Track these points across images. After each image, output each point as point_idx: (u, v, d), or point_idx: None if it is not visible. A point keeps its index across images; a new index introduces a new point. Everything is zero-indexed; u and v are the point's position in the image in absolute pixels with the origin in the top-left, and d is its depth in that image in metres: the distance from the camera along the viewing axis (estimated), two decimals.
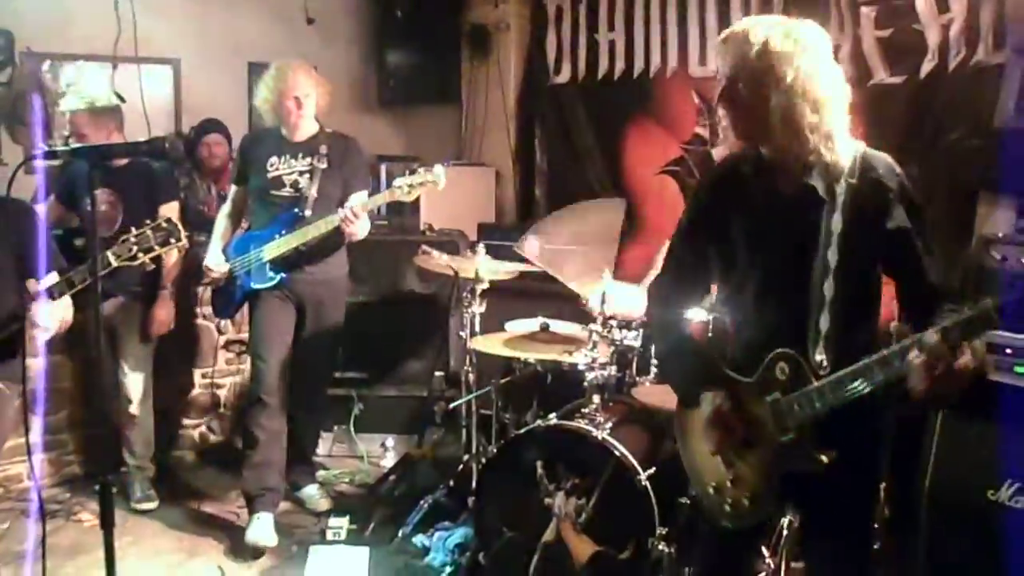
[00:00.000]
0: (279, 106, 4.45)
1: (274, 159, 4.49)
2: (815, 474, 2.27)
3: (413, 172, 4.37)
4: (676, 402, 2.74)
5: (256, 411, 4.44)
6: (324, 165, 4.45)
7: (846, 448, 2.29)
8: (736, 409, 2.45)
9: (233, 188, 4.72)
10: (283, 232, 4.39)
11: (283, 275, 4.44)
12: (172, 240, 3.30)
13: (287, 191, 4.46)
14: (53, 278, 3.30)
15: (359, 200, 4.40)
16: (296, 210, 4.40)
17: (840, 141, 2.30)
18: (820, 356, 2.28)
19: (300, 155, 4.48)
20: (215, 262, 4.53)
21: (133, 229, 3.27)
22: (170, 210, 4.45)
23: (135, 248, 3.26)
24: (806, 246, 2.33)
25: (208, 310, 5.07)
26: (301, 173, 4.46)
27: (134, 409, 4.71)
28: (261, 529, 4.32)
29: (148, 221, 3.27)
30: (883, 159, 2.35)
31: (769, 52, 2.26)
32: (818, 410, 2.26)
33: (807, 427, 2.30)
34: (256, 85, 4.61)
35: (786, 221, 2.38)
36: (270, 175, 4.48)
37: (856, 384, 2.18)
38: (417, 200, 4.96)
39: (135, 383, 4.71)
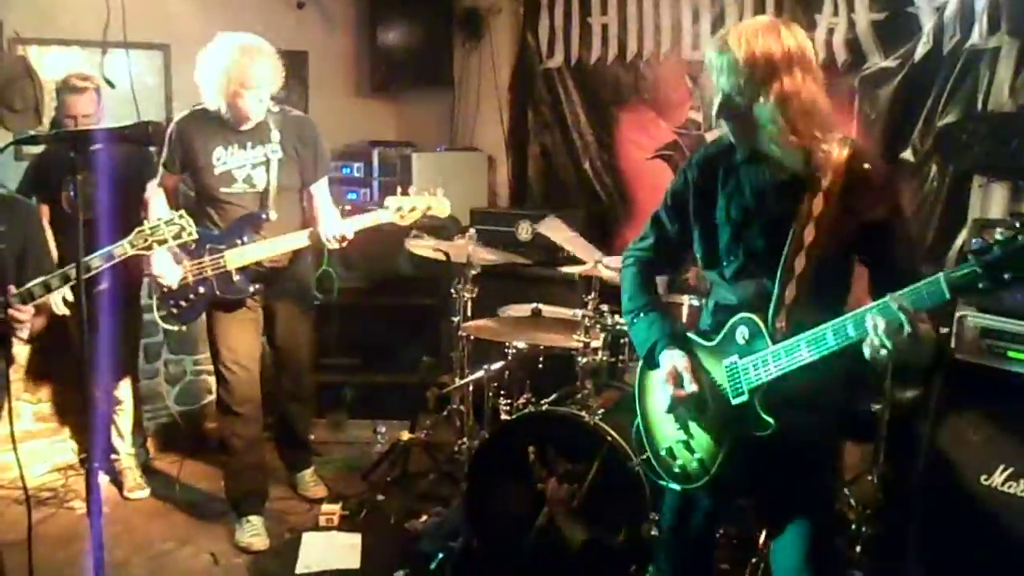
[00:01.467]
0: (231, 96, 3.92)
1: (220, 151, 4.04)
2: (767, 449, 2.41)
3: (412, 194, 4.16)
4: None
5: (229, 421, 4.28)
6: (280, 154, 4.07)
7: (797, 427, 2.40)
8: (694, 369, 2.55)
9: (162, 172, 4.19)
10: (245, 239, 4.04)
11: (255, 287, 4.14)
12: (184, 235, 3.35)
13: (240, 187, 4.07)
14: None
15: (319, 196, 4.24)
16: (259, 213, 4.07)
17: (831, 136, 2.37)
18: (780, 323, 2.39)
19: (249, 145, 4.05)
20: (165, 270, 4.02)
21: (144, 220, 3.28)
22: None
23: (150, 238, 3.31)
24: (784, 226, 2.41)
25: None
26: (254, 166, 4.06)
27: (120, 393, 4.68)
28: (250, 532, 4.27)
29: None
30: (872, 155, 2.44)
31: (761, 63, 2.30)
32: (772, 374, 2.36)
33: (760, 390, 2.40)
34: (203, 57, 3.97)
35: (771, 205, 2.46)
36: (217, 170, 4.04)
37: (809, 349, 2.27)
38: (409, 183, 4.91)
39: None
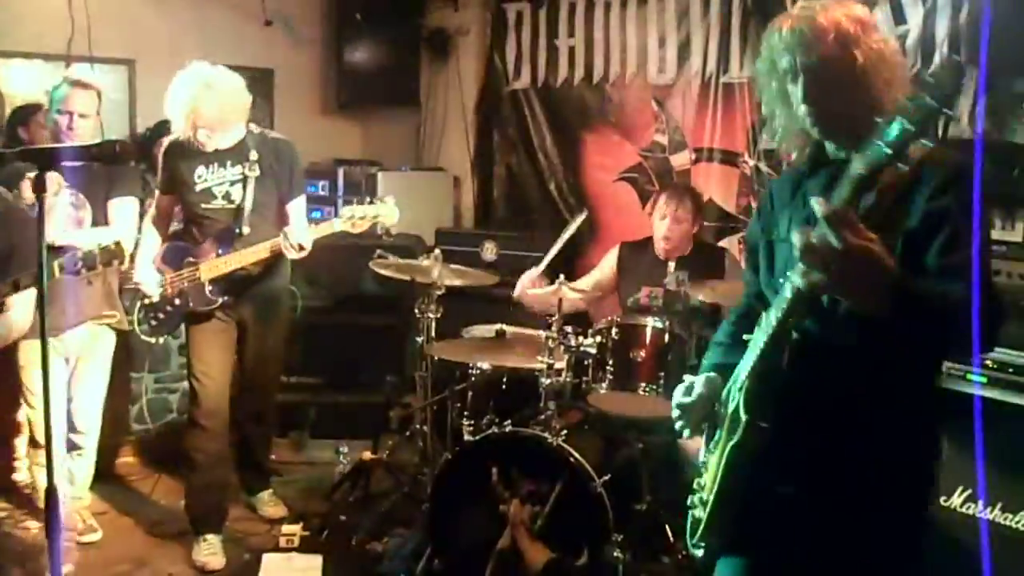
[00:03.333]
0: (192, 127, 4.02)
1: (201, 169, 4.16)
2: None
3: (361, 201, 4.20)
4: None
5: (195, 434, 4.27)
6: (256, 173, 4.17)
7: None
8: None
9: (157, 195, 4.39)
10: (220, 252, 4.14)
11: (224, 298, 4.20)
12: (115, 262, 3.35)
13: (218, 203, 4.19)
14: None
15: (294, 216, 4.28)
16: (233, 227, 4.16)
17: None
18: None
19: (228, 163, 4.17)
20: (146, 279, 4.19)
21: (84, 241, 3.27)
22: (120, 205, 4.18)
23: (80, 264, 3.29)
24: None
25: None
26: (232, 183, 4.18)
27: (81, 439, 4.44)
28: (207, 551, 4.21)
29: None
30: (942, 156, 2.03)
31: (844, 35, 2.06)
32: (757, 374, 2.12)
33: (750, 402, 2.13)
34: (171, 87, 4.06)
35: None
36: (198, 187, 4.17)
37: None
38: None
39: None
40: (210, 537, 4.25)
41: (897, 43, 2.14)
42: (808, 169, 2.27)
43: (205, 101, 3.97)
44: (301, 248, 4.09)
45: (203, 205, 4.19)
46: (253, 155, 4.17)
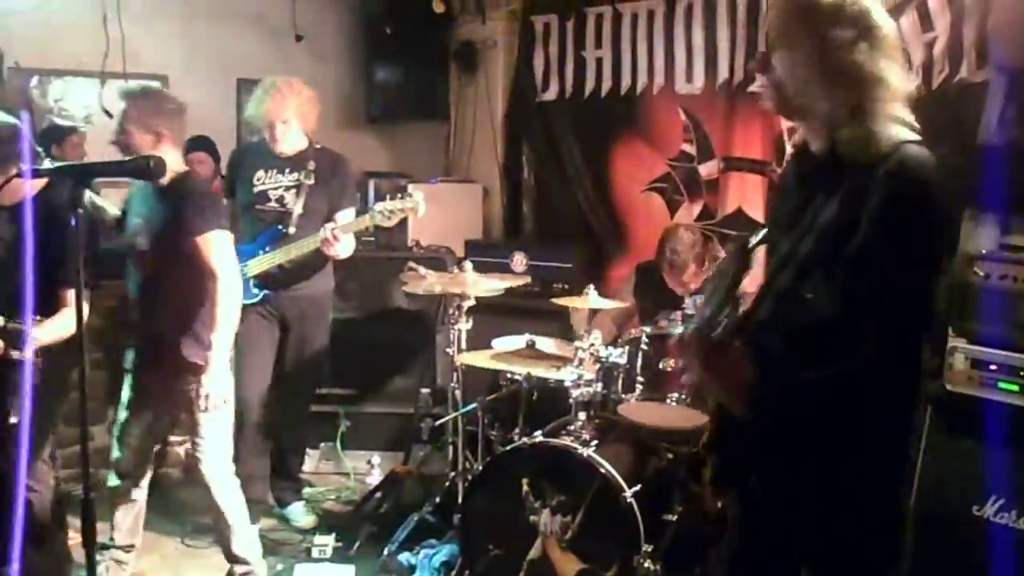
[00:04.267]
0: (263, 125, 4.45)
1: (260, 173, 4.49)
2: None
3: (393, 197, 4.42)
4: None
5: (235, 427, 4.31)
6: (311, 181, 4.46)
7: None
8: None
9: (225, 201, 4.60)
10: (267, 248, 4.40)
11: (267, 292, 4.45)
12: None
13: (272, 205, 4.47)
14: None
15: (341, 222, 4.42)
16: (280, 227, 4.43)
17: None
18: None
19: (287, 170, 4.49)
20: None
21: None
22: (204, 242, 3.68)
23: None
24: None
25: None
26: (287, 188, 4.48)
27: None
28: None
29: None
30: (900, 159, 2.05)
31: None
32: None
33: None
34: (246, 99, 4.61)
35: (800, 204, 2.23)
36: (256, 189, 4.48)
37: None
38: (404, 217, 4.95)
39: None
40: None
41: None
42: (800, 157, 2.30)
43: (285, 104, 4.36)
44: (335, 238, 4.28)
45: (257, 206, 4.47)
46: (311, 165, 4.46)
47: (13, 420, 3.44)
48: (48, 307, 3.28)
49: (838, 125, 2.09)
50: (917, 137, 2.09)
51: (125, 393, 3.86)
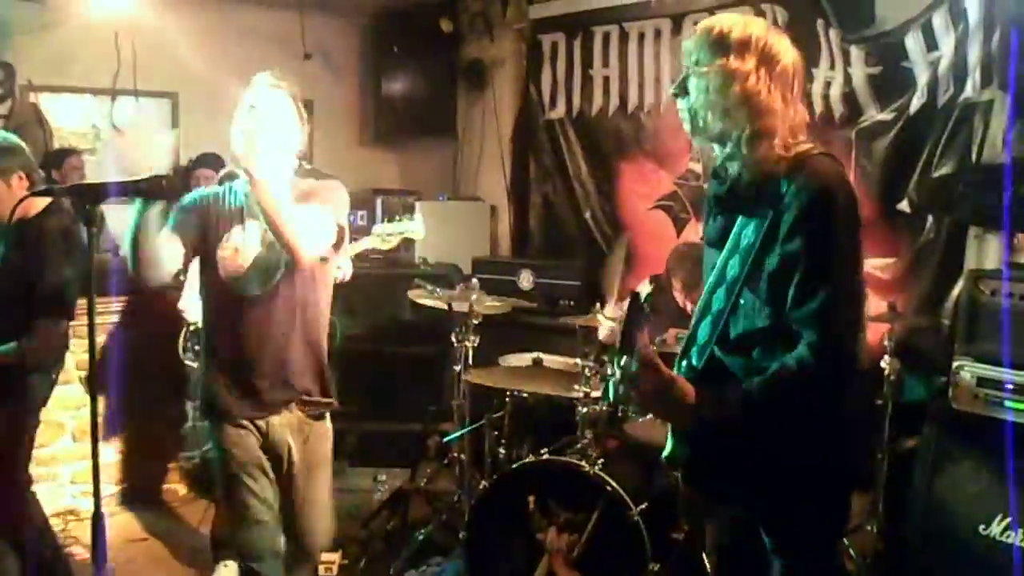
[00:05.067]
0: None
1: None
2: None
3: (392, 219, 4.31)
4: None
5: None
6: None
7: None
8: None
9: None
10: None
11: None
12: None
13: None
14: None
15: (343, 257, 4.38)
16: None
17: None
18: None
19: None
20: (190, 306, 4.40)
21: None
22: None
23: None
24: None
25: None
26: None
27: None
28: None
29: None
30: (809, 172, 2.14)
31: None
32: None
33: None
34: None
35: (722, 222, 2.38)
36: None
37: None
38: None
39: None
40: (231, 563, 4.24)
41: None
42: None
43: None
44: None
45: None
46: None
47: None
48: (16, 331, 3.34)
49: (734, 147, 2.22)
50: (821, 149, 2.19)
51: None
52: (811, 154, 2.17)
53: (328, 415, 3.36)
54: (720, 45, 2.20)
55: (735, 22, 2.24)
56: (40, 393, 3.55)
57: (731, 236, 2.29)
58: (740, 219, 2.26)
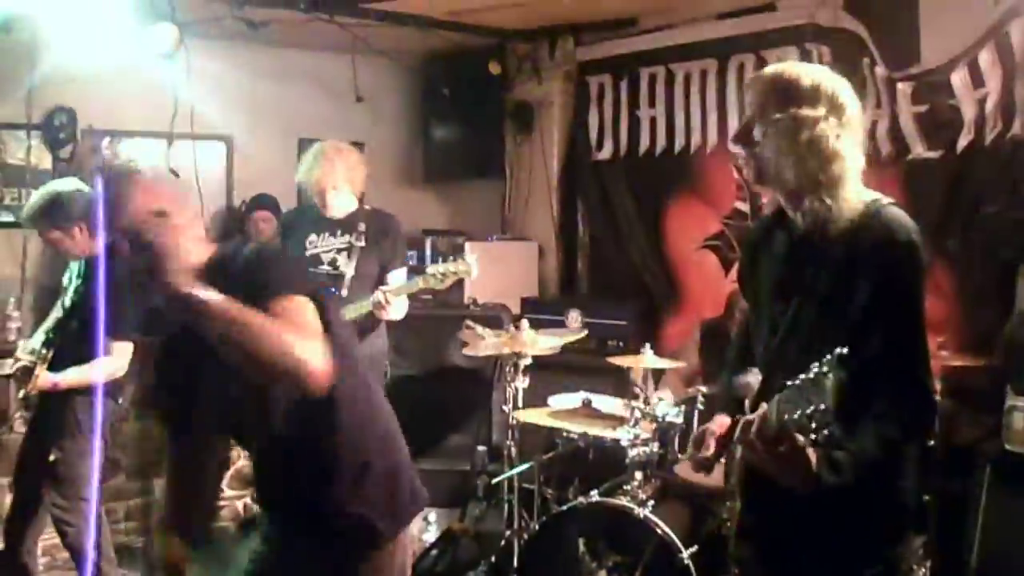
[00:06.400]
0: (314, 192, 4.56)
1: (312, 236, 4.61)
2: None
3: (447, 260, 4.46)
4: None
5: None
6: (362, 243, 4.55)
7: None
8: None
9: None
10: None
11: None
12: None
13: (324, 268, 4.55)
14: None
15: (393, 282, 4.49)
16: (333, 289, 4.41)
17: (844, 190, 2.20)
18: None
19: (338, 232, 4.59)
20: None
21: None
22: None
23: None
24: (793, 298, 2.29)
25: None
26: (339, 251, 4.57)
27: None
28: None
29: None
30: (886, 223, 2.16)
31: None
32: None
33: None
34: (299, 161, 4.73)
35: (790, 271, 2.34)
36: (308, 252, 4.58)
37: None
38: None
39: None
40: None
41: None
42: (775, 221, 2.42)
43: (332, 170, 4.45)
44: (386, 301, 4.31)
45: (310, 269, 4.43)
46: (361, 227, 4.53)
47: (52, 457, 3.66)
48: (89, 355, 3.59)
49: (807, 195, 2.21)
50: (889, 200, 2.22)
51: None
52: (882, 204, 2.19)
53: None
54: (788, 93, 2.22)
55: (802, 71, 2.26)
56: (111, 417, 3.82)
57: (795, 284, 2.27)
58: (808, 267, 2.24)
